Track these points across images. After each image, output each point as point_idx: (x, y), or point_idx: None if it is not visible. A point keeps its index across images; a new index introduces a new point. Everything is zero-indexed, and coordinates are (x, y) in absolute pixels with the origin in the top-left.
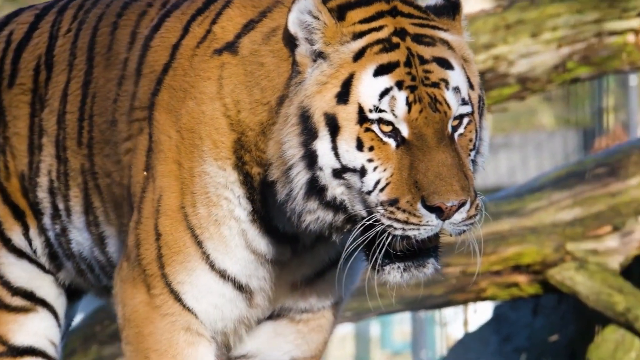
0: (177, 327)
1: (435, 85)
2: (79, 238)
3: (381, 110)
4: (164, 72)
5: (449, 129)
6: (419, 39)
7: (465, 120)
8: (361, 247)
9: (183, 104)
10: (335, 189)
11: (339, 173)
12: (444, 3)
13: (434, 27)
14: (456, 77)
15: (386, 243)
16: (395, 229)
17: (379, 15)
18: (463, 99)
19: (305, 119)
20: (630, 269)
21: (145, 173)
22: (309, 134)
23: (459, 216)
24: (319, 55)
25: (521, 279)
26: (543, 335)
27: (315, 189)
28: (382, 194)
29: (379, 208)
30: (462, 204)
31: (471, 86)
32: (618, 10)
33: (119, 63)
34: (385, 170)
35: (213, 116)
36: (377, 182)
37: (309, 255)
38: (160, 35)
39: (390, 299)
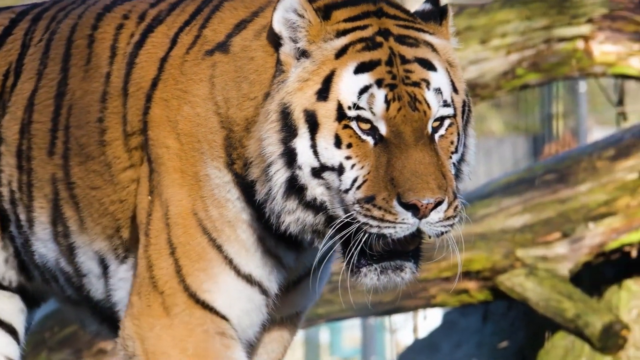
0: (212, 332)
1: (416, 84)
2: (42, 250)
3: (360, 108)
4: (153, 87)
5: (429, 129)
6: (402, 39)
7: (447, 122)
8: (337, 246)
9: (178, 111)
10: (315, 189)
11: (317, 172)
12: (432, 8)
13: (418, 30)
14: (438, 78)
15: (362, 241)
16: (371, 226)
17: (365, 15)
18: (445, 101)
19: (285, 115)
20: (580, 275)
21: (149, 197)
22: (288, 131)
23: (435, 215)
24: (303, 54)
25: (471, 285)
26: (493, 342)
27: (294, 188)
28: (359, 191)
29: (356, 206)
30: (438, 203)
31: (455, 90)
32: (567, 16)
33: (99, 77)
34: (362, 167)
35: (207, 117)
36: (355, 180)
37: (300, 262)
38: (146, 51)
39: (341, 305)
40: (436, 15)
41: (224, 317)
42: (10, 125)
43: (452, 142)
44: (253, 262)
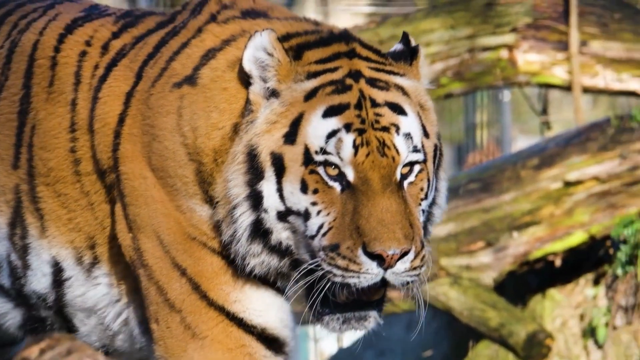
0: (256, 355)
1: (385, 129)
2: None
3: (327, 153)
4: (121, 123)
5: (397, 175)
6: (373, 82)
7: (417, 168)
8: (301, 289)
9: (150, 147)
10: (281, 233)
11: (283, 216)
12: (403, 49)
13: (389, 72)
14: (409, 123)
15: (325, 289)
16: (335, 275)
17: (336, 56)
18: (415, 147)
19: (252, 157)
20: (504, 284)
21: (130, 234)
22: (255, 173)
23: (401, 266)
24: (272, 94)
25: (395, 294)
26: (417, 351)
27: (259, 231)
28: (324, 238)
29: (321, 253)
30: (404, 253)
31: (426, 134)
32: (491, 25)
33: (65, 103)
34: (328, 214)
35: (174, 150)
36: (320, 227)
37: None
38: (109, 86)
39: None
40: (407, 55)
41: (256, 328)
42: None
43: (421, 189)
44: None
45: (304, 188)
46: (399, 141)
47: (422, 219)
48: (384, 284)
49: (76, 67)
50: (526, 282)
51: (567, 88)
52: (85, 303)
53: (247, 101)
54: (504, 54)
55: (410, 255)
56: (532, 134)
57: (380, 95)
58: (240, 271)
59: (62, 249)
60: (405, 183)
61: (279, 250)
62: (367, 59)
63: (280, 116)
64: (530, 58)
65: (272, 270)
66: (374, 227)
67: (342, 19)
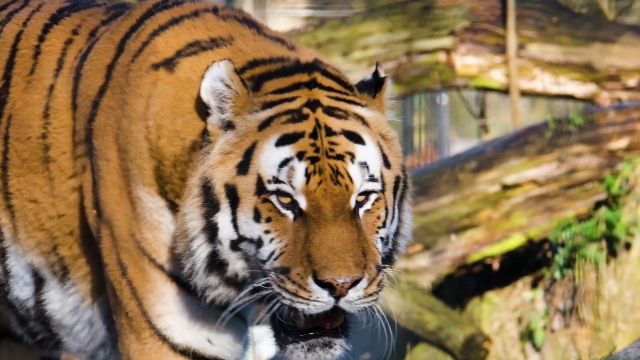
0: None
1: (340, 157)
2: None
3: (279, 181)
4: (100, 94)
5: (352, 203)
6: (331, 111)
7: (373, 197)
8: (264, 318)
9: (119, 122)
10: (236, 264)
11: (236, 244)
12: (370, 80)
13: (350, 102)
14: (366, 152)
15: (273, 309)
16: (284, 297)
17: (296, 86)
18: (372, 176)
19: (206, 190)
20: (442, 287)
21: (94, 211)
22: (210, 205)
23: (354, 294)
24: (228, 125)
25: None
26: (355, 354)
27: (215, 263)
28: (276, 261)
29: (272, 273)
30: (355, 281)
31: (387, 164)
32: (429, 29)
33: (42, 89)
34: (281, 241)
35: (138, 138)
36: (272, 253)
37: None
38: (91, 60)
39: None
40: (372, 86)
41: (185, 351)
42: None
43: (378, 217)
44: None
45: (257, 217)
46: (353, 170)
47: (380, 246)
48: (342, 310)
49: (60, 54)
50: (464, 285)
51: (504, 91)
52: (63, 319)
53: (205, 131)
54: (441, 57)
55: (363, 283)
56: (469, 138)
57: (337, 124)
58: (173, 283)
59: (34, 256)
60: (361, 211)
61: (235, 283)
62: (328, 89)
63: (235, 146)
64: (468, 61)
65: (232, 301)
66: (324, 255)
67: (280, 22)
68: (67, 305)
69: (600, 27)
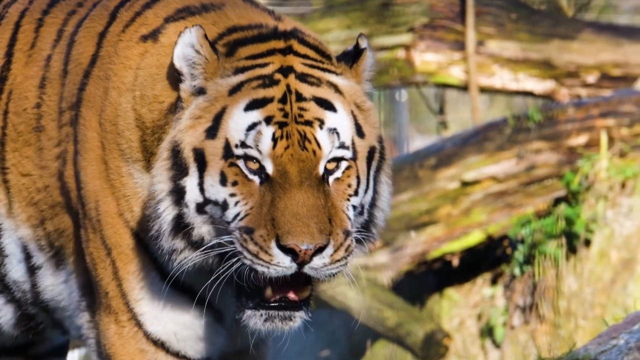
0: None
1: (308, 123)
2: None
3: (246, 146)
4: (92, 64)
5: (320, 169)
6: (303, 77)
7: (344, 165)
8: (225, 281)
9: (107, 94)
10: (201, 228)
11: (201, 207)
12: (350, 50)
13: (324, 70)
14: (336, 119)
15: (233, 268)
16: (245, 257)
17: (270, 52)
18: (342, 143)
19: (175, 153)
20: (401, 284)
21: (75, 184)
22: (179, 169)
23: (319, 261)
24: (200, 91)
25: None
26: (314, 350)
27: (180, 226)
28: (241, 222)
29: (236, 232)
30: (319, 248)
31: (360, 134)
32: (388, 25)
33: (40, 60)
34: (246, 204)
35: (126, 110)
36: (237, 214)
37: None
38: (85, 26)
39: None
40: (350, 56)
41: (156, 341)
42: None
43: (349, 185)
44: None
45: (223, 181)
46: (321, 136)
47: (351, 213)
48: (307, 280)
49: (61, 24)
50: (424, 282)
51: (463, 88)
52: (56, 297)
53: (179, 98)
54: (401, 53)
55: (329, 250)
56: (429, 134)
57: (308, 90)
58: (158, 268)
59: (25, 229)
60: (331, 179)
61: (200, 247)
62: (304, 56)
63: (204, 111)
64: (427, 58)
65: (198, 266)
66: (288, 220)
67: None
68: (59, 284)
69: (559, 23)
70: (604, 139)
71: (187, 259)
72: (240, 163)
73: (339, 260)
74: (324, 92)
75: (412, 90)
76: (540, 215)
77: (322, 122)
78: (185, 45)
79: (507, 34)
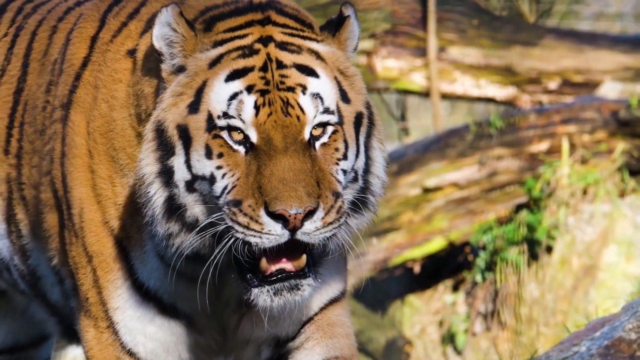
0: None
1: (291, 89)
2: None
3: (229, 116)
4: (83, 67)
5: (305, 135)
6: (283, 46)
7: (330, 130)
8: (228, 261)
9: (96, 104)
10: (194, 208)
11: (190, 184)
12: (334, 18)
13: (305, 38)
14: (319, 84)
15: (228, 245)
16: (236, 231)
17: (248, 24)
18: (327, 108)
19: (160, 133)
20: (363, 291)
21: (62, 185)
22: (165, 149)
23: (311, 225)
24: (180, 69)
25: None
26: None
27: (172, 208)
28: (229, 195)
29: (225, 208)
30: (309, 212)
31: (346, 99)
32: None
33: (49, 65)
34: (233, 175)
35: (123, 126)
36: (225, 187)
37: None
38: (79, 27)
39: None
40: (333, 24)
41: (129, 351)
42: None
43: (337, 149)
44: (148, 270)
45: (209, 154)
46: (304, 101)
47: (341, 177)
48: (302, 249)
49: (70, 29)
50: (385, 288)
51: (425, 94)
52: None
53: (161, 79)
54: (362, 60)
55: (320, 214)
56: (390, 141)
57: (288, 58)
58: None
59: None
60: (317, 144)
61: (195, 228)
62: (283, 26)
63: (186, 87)
64: (388, 64)
65: (196, 249)
66: (275, 186)
67: None
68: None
69: (521, 30)
70: (565, 145)
71: (184, 242)
72: (224, 134)
73: (331, 223)
74: (305, 59)
75: (373, 96)
76: (502, 221)
77: (304, 88)
78: (162, 24)
79: (468, 40)
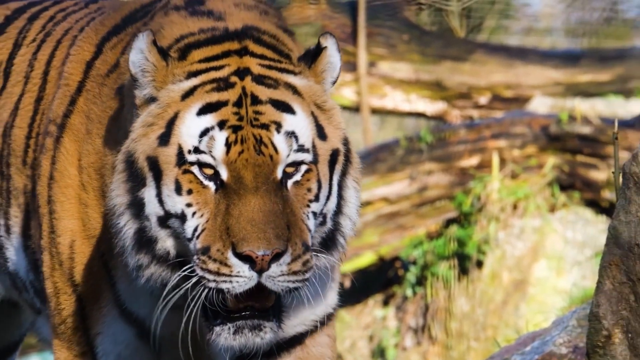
0: None
1: (265, 126)
2: (15, 258)
3: (200, 151)
4: (78, 92)
5: (278, 174)
6: (260, 79)
7: (303, 168)
8: (194, 300)
9: (90, 137)
10: (166, 241)
11: (163, 220)
12: (312, 49)
13: (282, 70)
14: (295, 121)
15: (202, 296)
16: (208, 280)
17: (225, 54)
18: (301, 146)
19: (130, 164)
20: None
21: (47, 207)
22: (135, 180)
23: (277, 269)
24: (152, 99)
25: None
26: None
27: (143, 240)
28: (198, 241)
29: (195, 257)
30: (276, 255)
31: (321, 135)
32: None
33: (58, 75)
34: (202, 215)
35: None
36: (195, 229)
37: None
38: (77, 46)
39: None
40: (310, 55)
41: None
42: None
43: (309, 190)
44: (136, 298)
45: (179, 189)
46: (278, 139)
47: (312, 223)
48: (272, 292)
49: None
50: None
51: (355, 109)
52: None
53: (134, 106)
54: None
55: (287, 258)
56: None
57: (264, 93)
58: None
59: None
60: (290, 183)
61: (166, 261)
62: (261, 57)
63: (157, 118)
64: None
65: (167, 282)
66: (243, 226)
67: None
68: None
69: (451, 45)
70: (495, 160)
71: (153, 274)
72: (195, 169)
73: (295, 273)
74: (282, 94)
75: None
76: (432, 236)
77: (279, 126)
78: (137, 51)
79: (398, 55)
